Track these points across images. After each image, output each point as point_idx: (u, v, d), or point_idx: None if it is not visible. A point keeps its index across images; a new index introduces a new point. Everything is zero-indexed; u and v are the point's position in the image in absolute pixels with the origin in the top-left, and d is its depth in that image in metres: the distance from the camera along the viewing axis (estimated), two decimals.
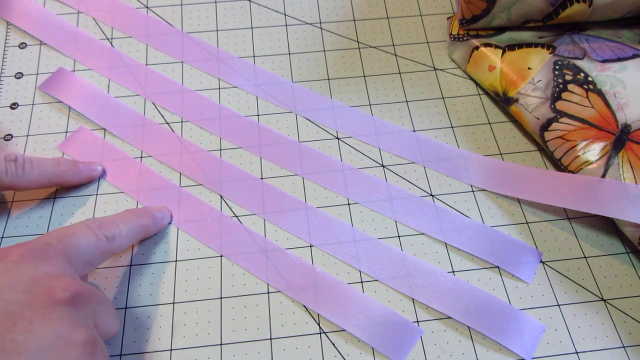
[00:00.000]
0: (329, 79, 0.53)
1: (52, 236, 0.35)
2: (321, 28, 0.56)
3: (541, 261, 0.43)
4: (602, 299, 0.42)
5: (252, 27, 0.56)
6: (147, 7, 0.57)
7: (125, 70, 0.53)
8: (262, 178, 0.47)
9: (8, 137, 0.49)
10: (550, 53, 0.47)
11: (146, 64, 0.53)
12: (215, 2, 0.57)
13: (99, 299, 0.35)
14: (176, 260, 0.43)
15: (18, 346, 0.28)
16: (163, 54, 0.54)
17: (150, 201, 0.46)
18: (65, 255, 0.35)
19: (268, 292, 0.42)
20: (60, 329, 0.30)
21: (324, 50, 0.54)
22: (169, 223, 0.45)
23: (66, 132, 0.49)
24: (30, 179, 0.42)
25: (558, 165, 0.45)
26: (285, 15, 0.56)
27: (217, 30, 0.55)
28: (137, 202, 0.46)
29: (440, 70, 0.53)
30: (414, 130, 0.49)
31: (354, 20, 0.56)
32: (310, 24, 0.56)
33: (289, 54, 0.54)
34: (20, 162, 0.42)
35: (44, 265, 0.32)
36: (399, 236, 0.44)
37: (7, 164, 0.41)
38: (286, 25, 0.56)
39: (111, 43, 0.54)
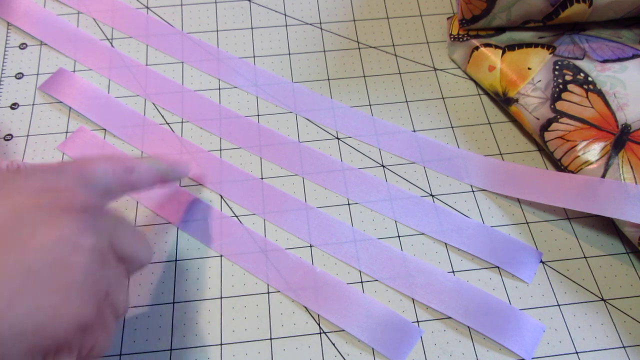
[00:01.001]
0: (329, 79, 0.53)
1: (69, 161, 0.34)
2: (321, 28, 0.56)
3: (541, 261, 0.43)
4: (602, 299, 0.42)
5: (252, 28, 0.56)
6: (147, 8, 0.57)
7: (126, 70, 0.53)
8: (262, 178, 0.47)
9: (8, 137, 0.49)
10: (550, 53, 0.47)
11: (146, 65, 0.53)
12: (216, 2, 0.57)
13: (117, 218, 0.33)
14: (176, 260, 0.43)
15: (21, 241, 0.27)
16: (163, 54, 0.54)
17: (150, 201, 0.46)
18: (80, 178, 0.33)
19: (268, 292, 0.42)
20: (67, 232, 0.28)
21: (324, 51, 0.54)
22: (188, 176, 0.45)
23: (66, 132, 0.49)
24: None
25: (558, 165, 0.45)
26: (285, 15, 0.56)
27: (217, 31, 0.55)
28: (137, 202, 0.46)
29: (440, 70, 0.53)
30: (414, 131, 0.49)
31: (354, 21, 0.56)
32: (311, 24, 0.56)
33: (289, 54, 0.54)
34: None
35: (56, 178, 0.31)
36: (399, 236, 0.44)
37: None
38: (286, 26, 0.56)
39: (111, 43, 0.54)
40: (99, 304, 0.29)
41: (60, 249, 0.27)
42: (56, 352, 0.27)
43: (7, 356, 0.25)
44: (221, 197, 0.46)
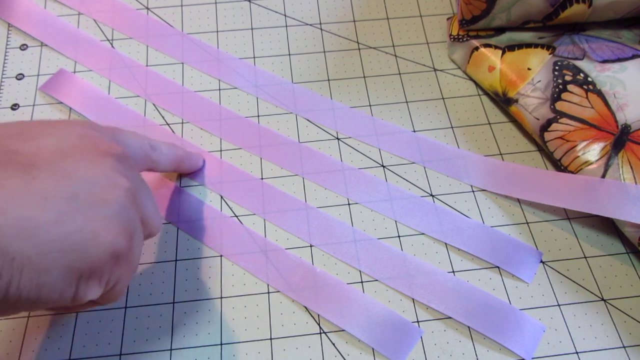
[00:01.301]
0: (329, 80, 0.53)
1: (103, 125, 0.36)
2: (321, 29, 0.56)
3: (541, 261, 0.43)
4: (602, 299, 0.42)
5: (252, 28, 0.56)
6: (147, 8, 0.57)
7: (126, 71, 0.53)
8: (262, 178, 0.47)
9: None
10: (550, 53, 0.48)
11: (147, 65, 0.53)
12: (216, 3, 0.57)
13: (144, 181, 0.36)
14: (176, 260, 0.43)
15: (67, 172, 0.29)
16: (163, 55, 0.54)
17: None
18: (115, 138, 0.36)
19: (268, 292, 0.42)
20: (107, 171, 0.31)
21: (324, 51, 0.54)
22: (202, 168, 0.47)
23: None
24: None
25: (558, 165, 0.45)
26: (285, 16, 0.57)
27: (217, 31, 0.55)
28: None
29: (440, 70, 0.53)
30: (414, 131, 0.49)
31: (354, 21, 0.56)
32: (311, 24, 0.56)
33: (289, 54, 0.54)
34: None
35: (94, 131, 0.34)
36: (399, 236, 0.44)
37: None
38: (286, 26, 0.56)
39: (112, 44, 0.55)
40: (129, 240, 0.32)
41: (101, 183, 0.30)
42: (89, 277, 0.29)
43: (49, 271, 0.27)
44: (221, 197, 0.46)
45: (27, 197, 0.27)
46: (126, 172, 0.33)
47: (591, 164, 0.43)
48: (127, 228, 0.31)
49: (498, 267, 0.43)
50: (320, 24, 0.56)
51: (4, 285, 0.26)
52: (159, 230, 0.37)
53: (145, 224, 0.35)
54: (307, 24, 0.56)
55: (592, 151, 0.43)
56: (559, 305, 0.41)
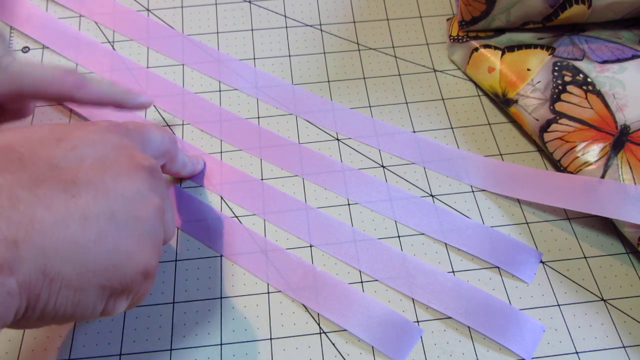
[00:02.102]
0: (329, 81, 0.53)
1: (129, 123, 0.36)
2: (321, 30, 0.56)
3: (541, 261, 0.43)
4: (602, 299, 0.42)
5: (252, 29, 0.56)
6: (148, 10, 0.57)
7: (127, 73, 0.53)
8: (262, 179, 0.47)
9: None
10: (549, 54, 0.48)
11: (147, 67, 0.53)
12: (216, 4, 0.57)
13: (167, 192, 0.36)
14: (176, 260, 0.43)
15: (107, 187, 0.29)
16: (164, 56, 0.54)
17: None
18: (143, 141, 0.36)
19: (268, 292, 0.42)
20: (142, 187, 0.31)
21: (324, 53, 0.54)
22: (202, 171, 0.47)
23: None
24: (88, 92, 0.41)
25: (557, 166, 0.45)
26: (285, 17, 0.57)
27: (217, 33, 0.56)
28: None
29: (440, 71, 0.53)
30: (414, 131, 0.49)
31: (354, 22, 0.56)
32: (311, 25, 0.56)
33: (289, 56, 0.54)
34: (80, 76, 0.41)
35: (127, 140, 0.34)
36: (399, 236, 0.44)
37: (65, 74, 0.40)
38: (286, 27, 0.56)
39: (113, 46, 0.55)
40: (158, 257, 0.32)
41: (135, 200, 0.30)
42: (120, 294, 0.30)
43: (85, 290, 0.28)
44: (221, 197, 0.46)
45: (70, 218, 0.27)
46: (156, 186, 0.33)
47: (590, 164, 0.43)
48: (157, 245, 0.32)
49: (498, 267, 0.43)
50: (321, 25, 0.56)
51: (41, 305, 0.26)
52: (171, 237, 0.37)
53: (165, 233, 0.35)
54: (307, 25, 0.56)
55: (592, 152, 0.43)
56: (559, 305, 0.41)
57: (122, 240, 0.29)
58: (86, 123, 0.33)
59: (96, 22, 0.56)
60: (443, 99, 0.51)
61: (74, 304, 0.28)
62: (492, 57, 0.49)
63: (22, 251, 0.25)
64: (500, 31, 0.51)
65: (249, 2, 0.58)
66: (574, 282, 0.42)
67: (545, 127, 0.45)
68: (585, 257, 0.43)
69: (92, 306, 0.29)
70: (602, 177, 0.42)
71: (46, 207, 0.26)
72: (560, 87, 0.46)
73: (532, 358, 0.39)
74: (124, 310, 0.32)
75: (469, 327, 0.41)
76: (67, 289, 0.27)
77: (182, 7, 0.57)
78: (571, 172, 0.44)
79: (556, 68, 0.47)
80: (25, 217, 0.25)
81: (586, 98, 0.45)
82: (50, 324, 0.29)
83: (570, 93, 0.45)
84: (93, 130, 0.32)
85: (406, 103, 0.51)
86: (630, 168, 0.42)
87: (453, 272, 0.43)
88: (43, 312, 0.27)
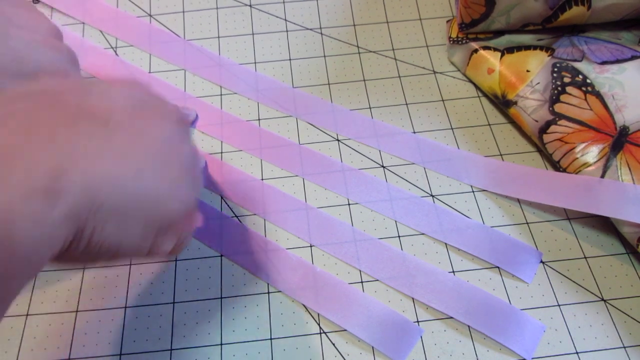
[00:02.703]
0: (329, 84, 0.53)
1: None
2: (321, 33, 0.56)
3: (541, 261, 0.43)
4: (603, 299, 0.42)
5: (253, 34, 0.56)
6: (150, 15, 0.57)
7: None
8: (262, 179, 0.47)
9: None
10: (549, 55, 0.48)
11: (149, 72, 0.54)
12: (217, 8, 0.58)
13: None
14: (176, 260, 0.44)
15: (140, 130, 0.30)
16: (166, 62, 0.54)
17: None
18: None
19: (268, 292, 0.42)
20: (172, 134, 0.32)
21: (324, 56, 0.55)
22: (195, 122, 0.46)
23: None
24: None
25: (557, 167, 0.45)
26: (285, 20, 0.57)
27: (218, 37, 0.56)
28: None
29: (440, 73, 0.53)
30: (414, 132, 0.49)
31: (354, 25, 0.57)
32: (311, 29, 0.56)
33: (290, 59, 0.55)
34: None
35: (155, 96, 0.35)
36: (399, 236, 0.44)
37: None
38: (287, 31, 0.56)
39: (115, 52, 0.55)
40: (195, 197, 0.34)
41: (171, 142, 0.31)
42: (165, 231, 0.31)
43: (128, 224, 0.29)
44: (221, 197, 0.46)
45: (109, 153, 0.27)
46: (185, 135, 0.34)
47: (590, 165, 0.43)
48: (194, 187, 0.33)
49: (498, 267, 0.43)
50: (321, 28, 0.56)
51: (87, 236, 0.27)
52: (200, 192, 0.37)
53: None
54: (308, 29, 0.56)
55: (591, 153, 0.43)
56: (559, 305, 0.41)
57: (159, 179, 0.30)
58: (113, 78, 0.34)
59: (99, 29, 0.56)
60: (443, 100, 0.51)
61: (119, 237, 0.28)
62: (491, 58, 0.49)
63: (66, 182, 0.25)
64: (499, 33, 0.51)
65: (250, 6, 0.58)
66: (574, 282, 0.42)
67: (544, 129, 0.45)
68: (585, 257, 0.43)
69: (138, 242, 0.30)
70: (602, 178, 0.42)
71: (86, 143, 0.27)
72: (559, 89, 0.46)
73: (533, 358, 0.39)
74: (172, 251, 0.33)
75: (469, 327, 0.40)
76: (110, 222, 0.27)
77: (183, 12, 0.57)
78: (571, 173, 0.44)
79: (555, 69, 0.47)
80: (67, 151, 0.26)
81: (585, 99, 0.45)
82: (97, 261, 0.30)
83: (570, 94, 0.45)
84: (121, 83, 0.33)
85: (406, 104, 0.51)
86: (629, 169, 0.42)
87: (453, 272, 0.43)
88: (88, 244, 0.27)
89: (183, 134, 0.34)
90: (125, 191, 0.28)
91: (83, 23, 0.57)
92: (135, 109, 0.31)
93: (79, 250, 0.27)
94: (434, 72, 0.53)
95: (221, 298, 0.42)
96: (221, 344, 0.40)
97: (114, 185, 0.27)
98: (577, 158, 0.43)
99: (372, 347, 0.40)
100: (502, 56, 0.49)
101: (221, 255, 0.44)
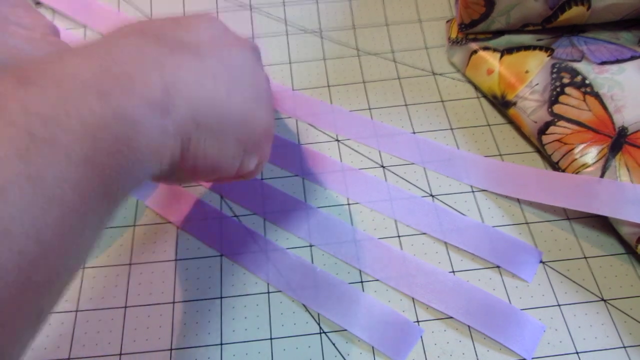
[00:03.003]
0: (329, 86, 0.53)
1: None
2: (321, 36, 0.56)
3: (541, 261, 0.43)
4: (603, 299, 0.42)
5: (253, 37, 0.56)
6: (151, 18, 0.57)
7: None
8: (262, 179, 0.47)
9: None
10: (548, 56, 0.48)
11: None
12: (217, 11, 0.58)
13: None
14: (176, 260, 0.44)
15: (224, 58, 0.33)
16: None
17: (150, 200, 0.46)
18: None
19: (268, 292, 0.42)
20: (251, 62, 0.36)
21: (324, 59, 0.55)
22: None
23: None
24: None
25: (556, 168, 0.45)
26: (286, 23, 0.57)
27: None
28: (137, 201, 0.46)
29: (439, 74, 0.53)
30: (414, 132, 0.50)
31: (354, 28, 0.57)
32: (311, 32, 0.57)
33: (290, 63, 0.55)
34: None
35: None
36: (399, 236, 0.44)
37: None
38: (287, 34, 0.57)
39: None
40: (273, 120, 0.37)
41: (249, 70, 0.35)
42: (251, 150, 0.35)
43: (225, 140, 0.32)
44: (221, 197, 0.46)
45: (204, 76, 0.31)
46: (260, 61, 0.38)
47: (589, 166, 0.43)
48: (272, 109, 0.37)
49: (498, 266, 0.43)
50: (321, 31, 0.57)
51: (193, 148, 0.30)
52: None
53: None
54: (308, 32, 0.57)
55: (590, 154, 0.43)
56: (559, 305, 0.41)
57: (246, 100, 0.33)
58: (192, 14, 0.37)
59: (100, 33, 0.57)
60: (443, 101, 0.52)
61: (219, 150, 0.31)
62: (491, 59, 0.49)
63: (174, 98, 0.28)
64: (499, 33, 0.51)
65: (250, 9, 0.58)
66: (574, 282, 0.42)
67: (543, 130, 0.45)
68: (585, 257, 0.43)
69: (232, 157, 0.33)
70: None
71: (185, 67, 0.30)
72: (558, 89, 0.46)
73: (533, 358, 0.39)
74: (254, 170, 0.36)
75: (469, 327, 0.40)
76: (211, 137, 0.31)
77: (184, 14, 0.58)
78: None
79: (555, 70, 0.47)
80: (171, 73, 0.29)
81: (584, 100, 0.45)
82: (201, 178, 0.34)
83: (569, 95, 0.46)
84: (200, 18, 0.35)
85: (406, 105, 0.51)
86: (628, 170, 0.42)
87: (453, 271, 0.43)
88: (195, 156, 0.30)
89: (258, 60, 0.37)
90: (220, 111, 0.31)
91: (85, 26, 0.57)
92: (217, 38, 0.34)
93: (188, 163, 0.30)
94: (434, 74, 0.53)
95: (221, 298, 0.42)
96: (221, 344, 0.40)
97: (209, 106, 0.30)
98: (576, 159, 0.43)
99: (372, 347, 0.40)
100: (501, 57, 0.49)
101: (221, 255, 0.44)
